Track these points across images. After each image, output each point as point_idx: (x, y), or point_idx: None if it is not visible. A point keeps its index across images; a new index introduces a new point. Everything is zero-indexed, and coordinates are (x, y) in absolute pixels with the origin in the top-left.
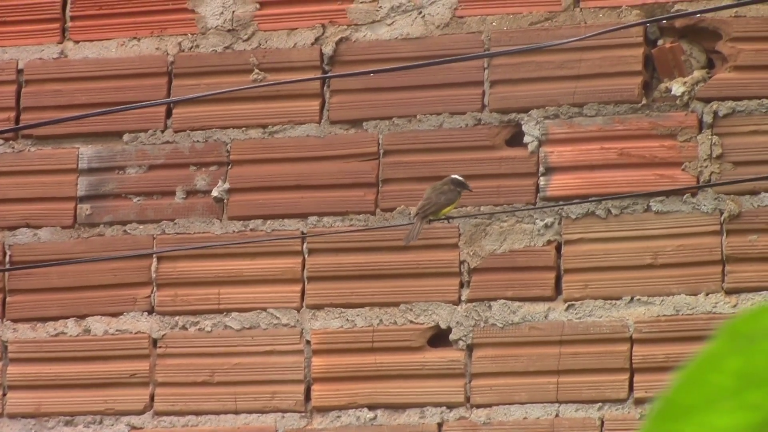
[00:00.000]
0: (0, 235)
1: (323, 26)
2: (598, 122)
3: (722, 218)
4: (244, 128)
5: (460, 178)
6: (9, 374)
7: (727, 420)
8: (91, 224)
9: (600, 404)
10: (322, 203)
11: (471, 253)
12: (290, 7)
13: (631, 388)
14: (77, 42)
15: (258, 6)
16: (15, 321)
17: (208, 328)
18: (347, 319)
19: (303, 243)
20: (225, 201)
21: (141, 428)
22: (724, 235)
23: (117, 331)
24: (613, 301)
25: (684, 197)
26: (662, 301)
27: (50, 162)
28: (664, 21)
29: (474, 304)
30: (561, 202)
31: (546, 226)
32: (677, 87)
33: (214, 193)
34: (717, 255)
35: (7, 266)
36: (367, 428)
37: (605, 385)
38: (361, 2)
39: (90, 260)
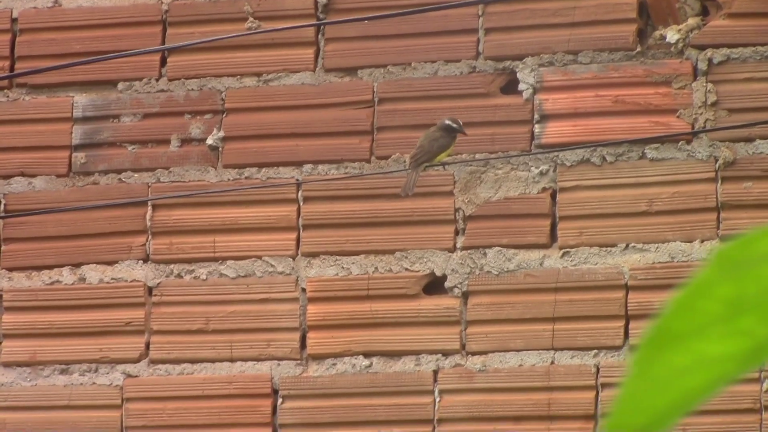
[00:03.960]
0: None
1: None
2: (592, 70)
3: (717, 165)
4: (238, 76)
5: (453, 123)
6: (4, 323)
7: (717, 347)
8: (86, 173)
9: (595, 351)
10: (317, 151)
11: (466, 201)
12: None
13: (626, 335)
14: None
15: None
16: (10, 270)
17: (204, 276)
18: (342, 267)
19: (298, 191)
20: (220, 149)
21: (136, 376)
22: (719, 182)
23: (112, 279)
24: (609, 249)
25: (679, 144)
26: (657, 248)
27: (45, 111)
28: None
29: (469, 251)
30: (556, 149)
31: (541, 174)
32: (672, 34)
33: (209, 141)
34: (712, 202)
35: (2, 215)
36: (363, 376)
37: (601, 332)
38: None
39: (85, 208)
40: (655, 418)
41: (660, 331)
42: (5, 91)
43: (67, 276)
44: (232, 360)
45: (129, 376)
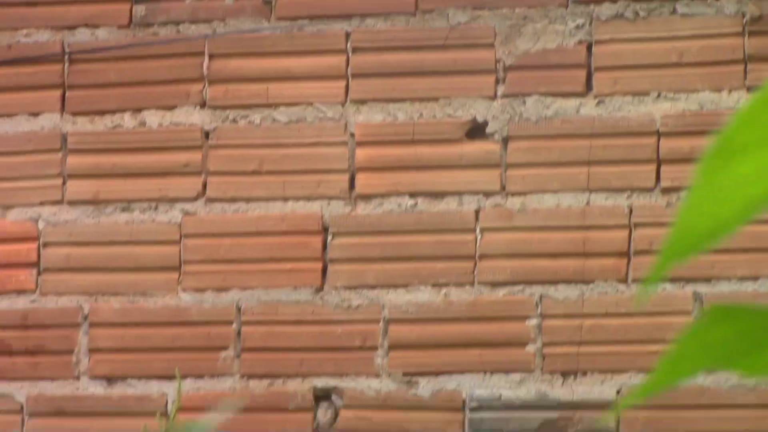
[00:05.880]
0: (60, 35)
1: None
2: None
3: (744, 20)
4: None
5: None
6: (69, 164)
7: None
8: (146, 24)
9: (628, 192)
10: (366, 4)
11: (506, 52)
12: None
13: (657, 178)
14: None
15: None
16: (74, 114)
17: (257, 121)
18: (389, 113)
19: (347, 42)
20: (273, 2)
21: (194, 214)
22: (746, 36)
23: (171, 123)
24: (641, 97)
25: (708, 0)
26: (687, 97)
27: None
28: None
29: (509, 99)
30: (591, 5)
31: (577, 27)
32: None
33: None
34: (739, 54)
35: (67, 62)
36: (408, 214)
37: (633, 175)
38: None
39: (146, 44)
40: (719, 224)
41: (724, 142)
42: None
43: (128, 120)
44: (284, 199)
45: (187, 213)
